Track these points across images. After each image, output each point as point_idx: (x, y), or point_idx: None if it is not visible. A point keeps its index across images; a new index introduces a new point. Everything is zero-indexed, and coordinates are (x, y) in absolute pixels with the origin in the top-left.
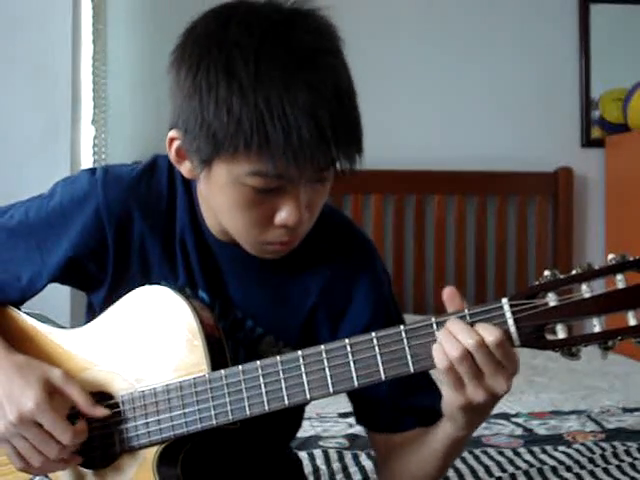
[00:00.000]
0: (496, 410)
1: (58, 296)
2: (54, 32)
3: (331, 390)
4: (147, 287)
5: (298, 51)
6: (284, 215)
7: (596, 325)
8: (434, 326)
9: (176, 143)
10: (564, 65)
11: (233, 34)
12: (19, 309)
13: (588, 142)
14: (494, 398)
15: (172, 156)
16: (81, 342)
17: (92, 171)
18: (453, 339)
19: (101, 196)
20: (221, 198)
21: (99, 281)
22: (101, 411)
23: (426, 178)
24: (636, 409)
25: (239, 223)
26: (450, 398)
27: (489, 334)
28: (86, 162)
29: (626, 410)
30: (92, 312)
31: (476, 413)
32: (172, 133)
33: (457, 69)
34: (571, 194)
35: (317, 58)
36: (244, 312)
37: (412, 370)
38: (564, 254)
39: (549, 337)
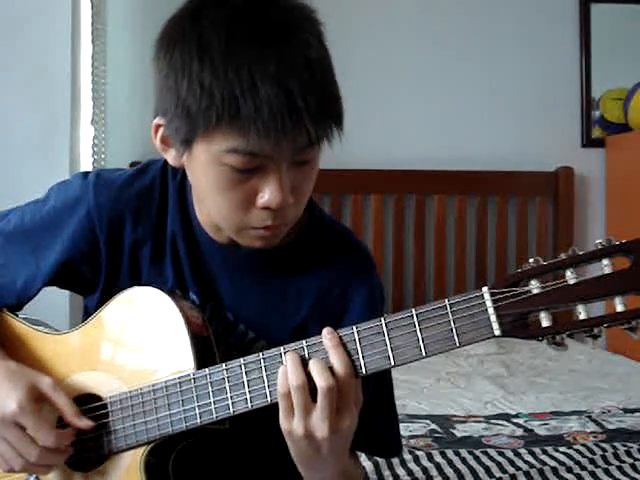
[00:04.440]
0: (497, 410)
1: (57, 299)
2: (53, 32)
3: None
4: (135, 288)
5: (270, 26)
6: (266, 196)
7: (581, 312)
8: (415, 317)
9: (160, 131)
10: (565, 65)
11: (206, 13)
12: (16, 314)
13: (589, 142)
14: (312, 442)
15: (158, 145)
16: (72, 345)
17: (85, 175)
18: (299, 368)
19: (92, 200)
20: (203, 180)
21: (93, 284)
22: (85, 423)
23: (426, 178)
24: (637, 410)
25: (223, 206)
26: (281, 424)
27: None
28: (85, 162)
29: (627, 411)
30: (87, 315)
31: (302, 447)
32: (156, 120)
33: (457, 69)
34: (572, 194)
35: (288, 33)
36: (236, 315)
37: (393, 363)
38: None
39: (533, 326)
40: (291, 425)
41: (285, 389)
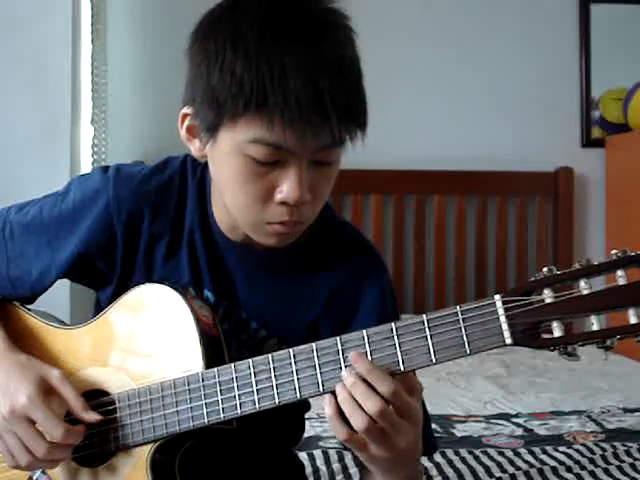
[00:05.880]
0: (497, 410)
1: (58, 295)
2: (54, 32)
3: (321, 389)
4: (147, 285)
5: (305, 22)
6: (284, 191)
7: (594, 323)
8: (425, 323)
9: (187, 120)
10: (564, 65)
11: (244, 5)
12: (28, 308)
13: (588, 142)
14: (394, 455)
15: (183, 134)
16: (82, 340)
17: (105, 169)
18: (359, 409)
19: (111, 193)
20: (225, 171)
21: (107, 278)
22: (92, 416)
23: (426, 178)
24: (636, 409)
25: (241, 199)
26: (358, 454)
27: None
28: (85, 162)
29: (626, 410)
30: (99, 309)
31: (387, 462)
32: (183, 110)
33: (457, 69)
34: (571, 194)
35: (324, 30)
36: (249, 313)
37: (402, 369)
38: (564, 254)
39: (545, 336)
40: (370, 453)
41: (347, 435)
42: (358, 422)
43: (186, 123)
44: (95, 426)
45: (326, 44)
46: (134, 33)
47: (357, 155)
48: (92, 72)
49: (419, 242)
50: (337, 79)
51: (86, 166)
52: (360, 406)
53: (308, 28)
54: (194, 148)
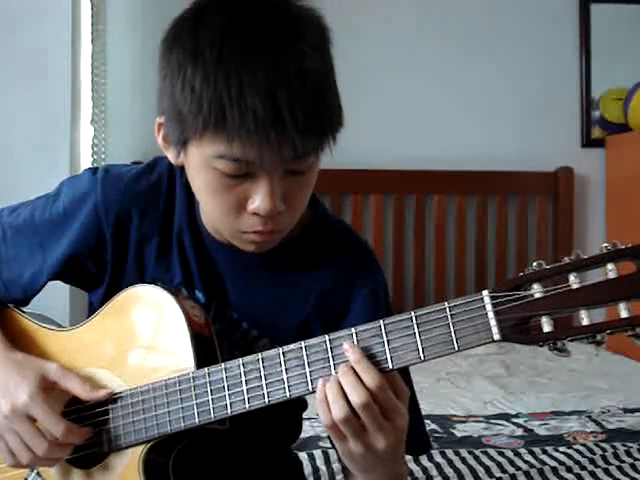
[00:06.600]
0: (497, 410)
1: (57, 296)
2: (53, 32)
3: (310, 388)
4: (139, 286)
5: (266, 34)
6: (256, 202)
7: (584, 318)
8: (414, 320)
9: (162, 130)
10: (564, 65)
11: (206, 17)
12: (22, 310)
13: (588, 142)
14: (373, 454)
15: (160, 143)
16: (75, 342)
17: (94, 170)
18: (341, 399)
19: (100, 195)
20: (197, 181)
21: (98, 279)
22: (102, 393)
23: (426, 178)
24: (637, 409)
25: (215, 209)
26: (337, 447)
27: (370, 379)
28: (85, 162)
29: (627, 410)
30: (92, 311)
31: (365, 461)
32: (158, 119)
33: (457, 69)
34: (571, 194)
35: (285, 42)
36: (240, 314)
37: (391, 366)
38: (564, 254)
39: (534, 331)
40: (347, 447)
41: (330, 422)
42: (337, 411)
43: (162, 133)
44: (90, 426)
45: (287, 57)
46: (134, 33)
47: (357, 155)
48: (92, 72)
49: (419, 242)
50: (296, 93)
51: (86, 166)
52: (344, 396)
53: (269, 41)
54: (170, 156)
